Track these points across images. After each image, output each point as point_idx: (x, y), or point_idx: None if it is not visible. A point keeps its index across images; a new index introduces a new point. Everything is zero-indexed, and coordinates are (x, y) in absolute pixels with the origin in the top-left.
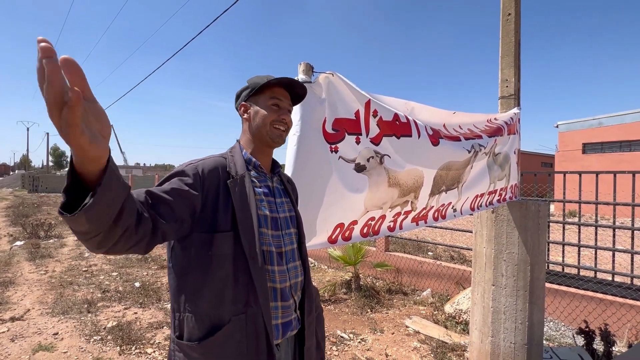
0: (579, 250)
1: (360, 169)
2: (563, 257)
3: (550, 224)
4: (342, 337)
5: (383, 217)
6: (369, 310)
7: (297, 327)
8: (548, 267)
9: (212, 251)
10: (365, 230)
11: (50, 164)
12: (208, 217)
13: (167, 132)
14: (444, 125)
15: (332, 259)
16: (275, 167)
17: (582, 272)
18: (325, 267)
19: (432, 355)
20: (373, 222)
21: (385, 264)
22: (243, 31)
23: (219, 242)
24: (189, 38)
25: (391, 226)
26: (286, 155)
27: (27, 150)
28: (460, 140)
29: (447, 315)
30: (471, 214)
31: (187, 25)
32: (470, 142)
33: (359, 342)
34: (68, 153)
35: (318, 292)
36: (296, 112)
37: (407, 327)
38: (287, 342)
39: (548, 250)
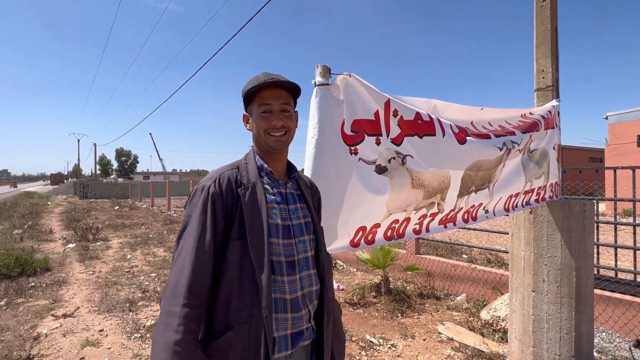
0: (634, 254)
1: (381, 170)
2: (616, 261)
3: (600, 224)
4: (371, 341)
5: (407, 219)
6: (399, 314)
7: (312, 337)
8: (598, 272)
9: (225, 258)
10: (389, 234)
11: (98, 172)
12: (224, 227)
13: (201, 138)
14: (471, 123)
15: (361, 262)
16: (291, 171)
17: None
18: (354, 269)
19: None
20: (397, 225)
21: (416, 267)
22: (268, 39)
23: (230, 250)
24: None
25: (417, 229)
26: (305, 158)
27: (78, 159)
28: (490, 138)
29: (484, 322)
30: (506, 215)
31: (217, 37)
32: (502, 139)
33: (389, 347)
34: (113, 161)
35: (338, 304)
36: (314, 114)
37: (439, 333)
38: (301, 350)
39: (598, 253)
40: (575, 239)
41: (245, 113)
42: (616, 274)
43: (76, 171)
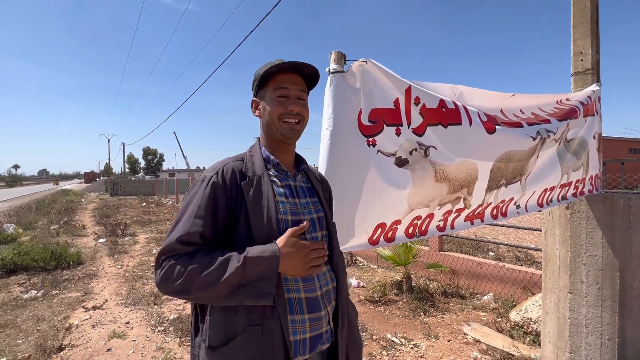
0: None
1: (401, 163)
2: None
3: None
4: (392, 341)
5: (431, 215)
6: (422, 313)
7: (330, 341)
8: None
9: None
10: (410, 231)
11: (127, 170)
12: (227, 222)
13: (222, 136)
14: (501, 111)
15: (382, 259)
16: (300, 164)
17: None
18: (375, 266)
19: None
20: (419, 222)
21: (439, 265)
22: (284, 35)
23: (236, 247)
24: (240, 49)
25: (441, 225)
26: (319, 151)
27: (109, 158)
28: (522, 127)
29: (513, 324)
30: (539, 211)
31: (236, 35)
32: (535, 127)
33: (411, 347)
34: (140, 160)
35: (353, 305)
36: (328, 104)
37: (465, 334)
38: (317, 356)
39: None
40: (619, 236)
41: (255, 98)
42: None
43: (107, 170)
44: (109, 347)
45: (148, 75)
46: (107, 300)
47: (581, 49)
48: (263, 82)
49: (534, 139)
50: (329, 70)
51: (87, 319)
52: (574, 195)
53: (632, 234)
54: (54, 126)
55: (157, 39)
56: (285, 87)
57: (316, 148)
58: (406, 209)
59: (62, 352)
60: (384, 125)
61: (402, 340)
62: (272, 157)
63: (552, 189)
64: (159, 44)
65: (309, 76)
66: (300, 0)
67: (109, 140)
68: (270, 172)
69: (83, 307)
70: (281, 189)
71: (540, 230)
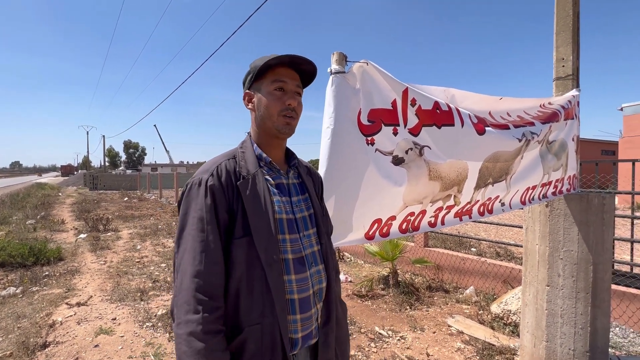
0: None
1: (398, 161)
2: (632, 255)
3: (615, 218)
4: (380, 333)
5: (423, 212)
6: (408, 307)
7: (317, 336)
8: (613, 267)
9: (229, 258)
10: (404, 226)
11: (107, 163)
12: (228, 223)
13: (208, 130)
14: (489, 113)
15: (369, 254)
16: (291, 159)
17: None
18: (362, 261)
19: (478, 357)
20: (412, 218)
21: (425, 260)
22: (274, 30)
23: (234, 249)
24: (224, 41)
25: (432, 222)
26: (320, 149)
27: (87, 151)
28: (509, 129)
29: (494, 316)
30: (522, 208)
31: (223, 28)
32: (521, 129)
33: (398, 339)
34: (121, 153)
35: (343, 303)
36: (329, 103)
37: (449, 326)
38: (305, 351)
39: (613, 248)
40: (593, 233)
41: (248, 91)
42: (631, 269)
43: (86, 163)
44: (96, 344)
45: (131, 66)
46: (91, 296)
47: (563, 56)
48: (260, 75)
49: (520, 140)
50: (331, 71)
51: (71, 316)
52: (554, 193)
53: (604, 231)
54: (28, 116)
55: (142, 28)
56: (283, 80)
57: (315, 144)
58: (401, 206)
59: (47, 349)
60: (382, 125)
61: (389, 332)
62: (264, 155)
63: (534, 187)
64: (143, 33)
65: (305, 74)
66: None
67: (87, 133)
68: (263, 170)
69: (67, 303)
70: (275, 188)
71: (520, 227)
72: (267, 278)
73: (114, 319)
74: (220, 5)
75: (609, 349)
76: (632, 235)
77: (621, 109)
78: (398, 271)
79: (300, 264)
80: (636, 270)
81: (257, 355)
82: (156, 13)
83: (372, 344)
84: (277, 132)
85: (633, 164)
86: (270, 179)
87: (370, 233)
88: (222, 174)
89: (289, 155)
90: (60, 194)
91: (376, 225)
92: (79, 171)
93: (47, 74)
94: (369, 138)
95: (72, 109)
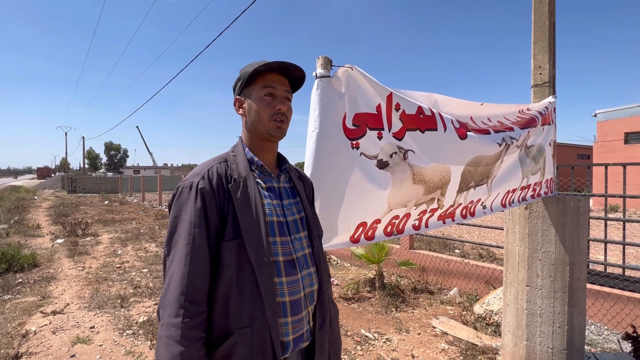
0: (623, 249)
1: (382, 165)
2: (605, 255)
3: (590, 220)
4: (366, 336)
5: (408, 215)
6: (393, 309)
7: (310, 339)
8: (588, 266)
9: (219, 261)
10: (389, 230)
11: (86, 166)
12: (219, 225)
13: (193, 132)
14: (471, 118)
15: (355, 257)
16: (282, 163)
17: (628, 272)
18: (348, 264)
19: (461, 357)
20: (397, 221)
21: (410, 262)
22: (259, 32)
23: (224, 251)
24: (209, 42)
25: (416, 225)
26: (305, 152)
27: (66, 153)
28: (489, 133)
29: (477, 316)
30: (502, 211)
31: (208, 29)
32: (501, 134)
33: (384, 342)
34: (102, 155)
35: (335, 305)
36: (315, 107)
37: (434, 327)
38: (296, 354)
39: (588, 248)
40: (570, 234)
41: (238, 97)
42: (605, 268)
43: (64, 165)
44: (73, 354)
45: (113, 64)
46: (68, 304)
47: (540, 64)
48: (250, 81)
49: (500, 145)
50: (316, 75)
51: (46, 325)
52: (532, 196)
53: (580, 232)
54: (1, 117)
55: (125, 26)
56: (273, 86)
57: (300, 147)
58: (386, 209)
59: None
60: (367, 129)
61: (375, 335)
62: (255, 158)
63: (513, 190)
64: (126, 33)
65: (294, 79)
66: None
67: (66, 134)
68: (255, 174)
69: (41, 312)
70: (266, 192)
71: (501, 229)
72: (257, 280)
73: (92, 327)
74: (205, 7)
75: (585, 347)
76: (605, 236)
77: (595, 115)
78: (384, 273)
79: (291, 267)
80: (610, 269)
81: (247, 359)
82: (140, 11)
83: (359, 347)
84: (269, 136)
85: (606, 168)
86: (262, 182)
87: (355, 236)
88: (213, 177)
89: (281, 159)
90: (36, 197)
91: (361, 228)
92: (57, 173)
93: (22, 72)
94: (354, 142)
95: (50, 109)
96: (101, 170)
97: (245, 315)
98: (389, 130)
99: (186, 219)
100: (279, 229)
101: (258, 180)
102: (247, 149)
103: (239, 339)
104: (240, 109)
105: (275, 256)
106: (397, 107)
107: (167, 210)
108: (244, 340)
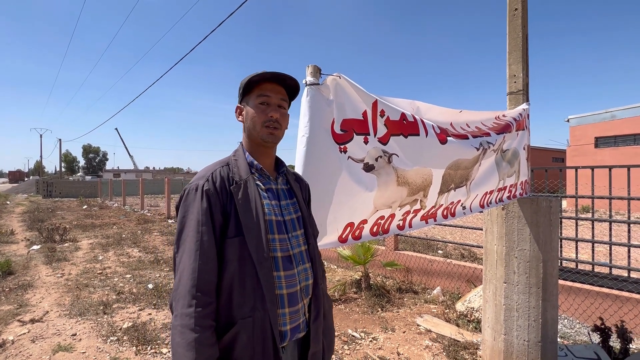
0: (592, 247)
1: (368, 168)
2: (577, 253)
3: (563, 220)
4: (353, 336)
5: (392, 215)
6: (379, 309)
7: (305, 330)
8: (561, 264)
9: (223, 256)
10: (375, 229)
11: (63, 169)
12: (223, 222)
13: (174, 135)
14: (451, 124)
15: (342, 259)
16: (280, 166)
17: (597, 269)
18: (335, 266)
19: (444, 353)
20: (383, 221)
21: (395, 263)
22: (246, 35)
23: (227, 248)
24: (194, 44)
25: (400, 225)
26: (295, 156)
27: (41, 156)
28: (468, 139)
29: (459, 314)
30: (481, 211)
31: (191, 31)
32: (479, 139)
33: (370, 341)
34: (80, 158)
35: (329, 298)
36: (305, 113)
37: (418, 325)
38: (293, 344)
39: (561, 246)
40: (543, 233)
41: (239, 105)
42: (577, 265)
43: (38, 168)
44: None
45: (93, 65)
46: (47, 312)
47: (515, 73)
48: (247, 90)
49: (478, 149)
50: (306, 82)
51: (24, 334)
52: (509, 197)
53: (552, 231)
54: None
55: (106, 25)
56: (267, 95)
57: (291, 149)
58: (372, 210)
59: None
60: (354, 134)
61: (362, 334)
62: (255, 162)
63: (491, 192)
64: (107, 31)
65: (290, 87)
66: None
67: (41, 136)
68: (255, 176)
69: (19, 320)
70: (265, 192)
71: (482, 230)
72: (258, 274)
73: (74, 334)
74: (190, 9)
75: (559, 339)
76: (576, 235)
77: (568, 121)
78: (370, 274)
79: (289, 262)
80: (581, 266)
81: (249, 346)
82: (122, 11)
83: (346, 347)
84: (262, 142)
85: (576, 171)
86: (261, 184)
87: (343, 236)
88: (216, 180)
89: (279, 163)
90: (8, 202)
91: (349, 228)
92: (31, 177)
93: None
94: (342, 146)
95: (23, 110)
96: (79, 174)
97: (247, 306)
98: (375, 135)
99: (193, 218)
100: (277, 227)
101: (258, 182)
102: (247, 153)
103: (241, 328)
104: (240, 116)
105: (274, 252)
106: (382, 114)
107: (149, 214)
108: (246, 329)
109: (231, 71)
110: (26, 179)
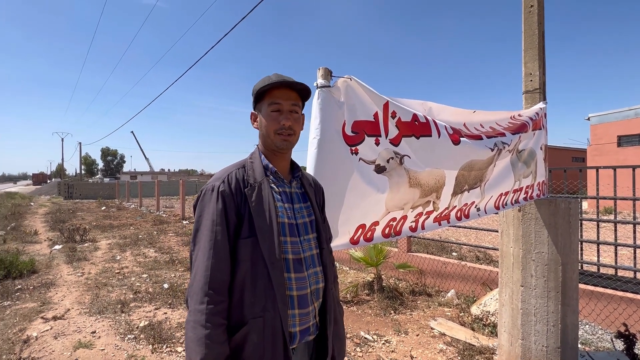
0: (615, 250)
1: (380, 170)
2: (598, 256)
3: (584, 222)
4: (365, 338)
5: (404, 217)
6: (392, 311)
7: (315, 333)
8: (582, 267)
9: (236, 256)
10: (387, 231)
11: (83, 171)
12: (237, 223)
13: (189, 138)
14: (464, 125)
15: (354, 260)
16: (295, 170)
17: (620, 273)
18: (347, 268)
19: (459, 358)
20: (394, 223)
21: (408, 265)
22: (256, 39)
23: (241, 248)
24: (206, 49)
25: (413, 226)
26: (307, 158)
27: (62, 159)
28: (482, 139)
29: (474, 317)
30: (496, 213)
31: (203, 35)
32: (493, 140)
33: (383, 343)
34: (99, 161)
35: (340, 304)
36: (316, 115)
37: (432, 328)
38: (304, 346)
39: (581, 249)
40: (561, 235)
41: (253, 111)
42: (598, 269)
43: (60, 171)
44: (76, 358)
45: (111, 71)
46: (68, 309)
47: (530, 71)
48: (259, 97)
49: (492, 150)
50: (317, 85)
51: (47, 330)
52: (525, 199)
53: (571, 233)
54: None
55: (123, 34)
56: (278, 102)
57: (302, 151)
58: (384, 212)
59: None
60: (365, 136)
61: (375, 337)
62: (270, 165)
63: (506, 193)
64: (124, 39)
65: (301, 91)
66: (276, 3)
67: (62, 140)
68: (269, 179)
69: (42, 317)
70: (279, 195)
71: (497, 232)
72: (270, 275)
73: (94, 332)
74: (204, 13)
75: (580, 345)
76: (598, 237)
77: (588, 119)
78: (382, 276)
79: (299, 265)
80: (603, 270)
81: (259, 346)
82: (139, 16)
83: (358, 349)
84: (276, 149)
85: (597, 171)
86: (275, 187)
87: (355, 238)
88: (232, 182)
89: (294, 167)
90: (32, 203)
91: (360, 230)
92: (53, 179)
93: (18, 76)
94: (353, 148)
95: (46, 115)
96: (98, 176)
97: (258, 306)
98: (386, 137)
99: (209, 218)
100: (289, 229)
101: (272, 185)
102: (262, 156)
103: (252, 327)
104: (255, 123)
105: (286, 254)
106: (393, 115)
107: (164, 215)
108: (256, 329)
109: (241, 75)
110: (49, 181)
